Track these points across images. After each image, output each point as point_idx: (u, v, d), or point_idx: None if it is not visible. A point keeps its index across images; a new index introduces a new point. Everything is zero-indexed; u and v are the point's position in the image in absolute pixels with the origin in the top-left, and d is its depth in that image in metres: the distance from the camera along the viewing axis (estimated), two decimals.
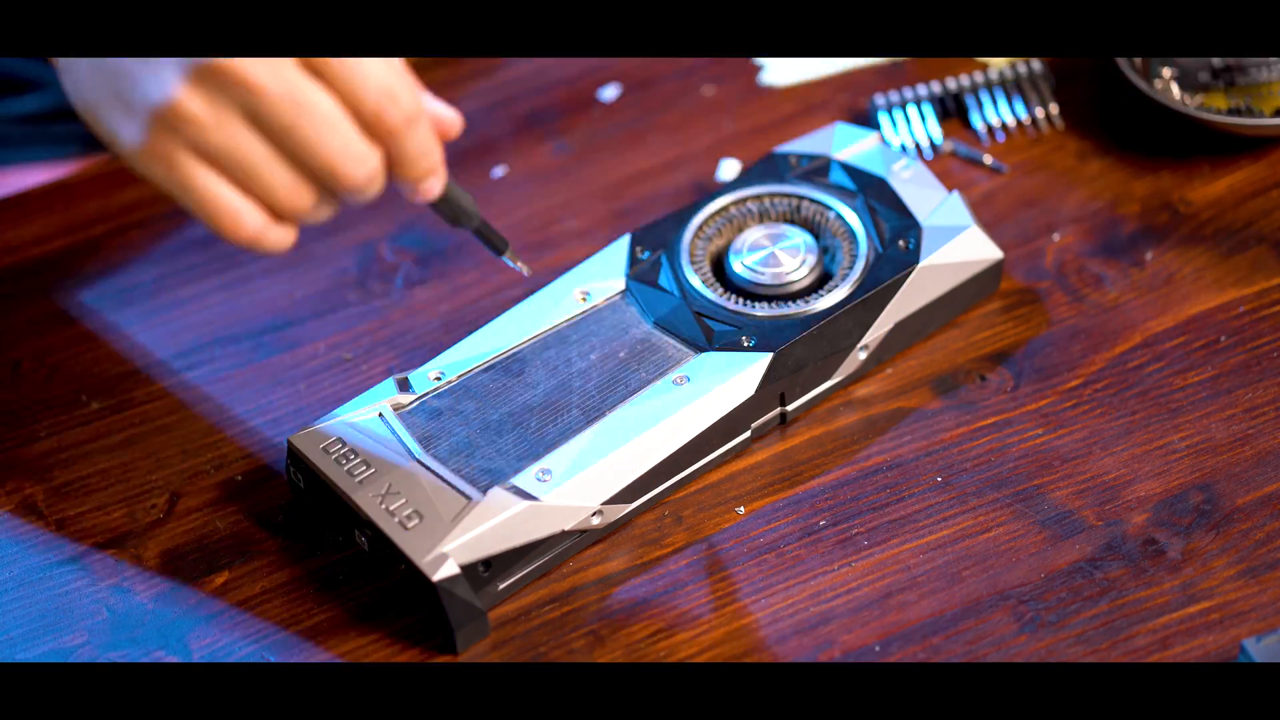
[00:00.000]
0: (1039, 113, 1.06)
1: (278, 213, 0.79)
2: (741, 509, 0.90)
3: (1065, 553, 0.87)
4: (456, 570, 0.84)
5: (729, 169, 1.06)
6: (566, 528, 0.87)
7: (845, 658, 0.84)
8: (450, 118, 0.83)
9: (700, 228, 0.97)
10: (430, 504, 0.85)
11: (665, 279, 0.95)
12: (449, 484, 0.86)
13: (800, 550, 0.88)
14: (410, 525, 0.84)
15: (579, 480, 0.86)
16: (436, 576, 0.83)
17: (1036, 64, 1.07)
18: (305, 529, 0.90)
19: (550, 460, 0.87)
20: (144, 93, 0.77)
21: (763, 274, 0.95)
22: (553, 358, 0.92)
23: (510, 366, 0.92)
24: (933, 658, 0.84)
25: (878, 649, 0.84)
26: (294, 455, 0.88)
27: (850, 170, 0.99)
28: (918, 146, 1.06)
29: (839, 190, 0.98)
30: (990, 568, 0.87)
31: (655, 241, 0.97)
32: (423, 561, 0.83)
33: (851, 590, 0.87)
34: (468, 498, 0.85)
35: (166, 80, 0.77)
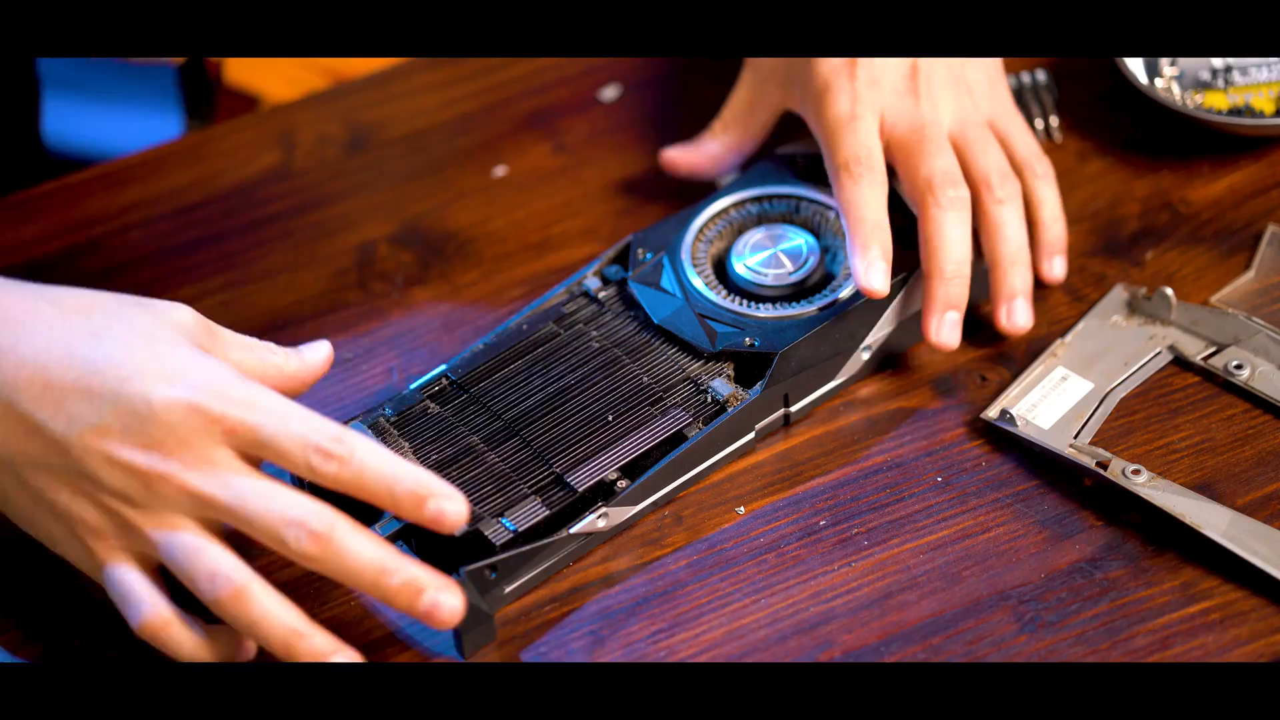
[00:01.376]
0: (1039, 124, 1.06)
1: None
2: (741, 509, 0.90)
3: (1065, 553, 0.87)
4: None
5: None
6: (572, 530, 0.87)
7: (845, 658, 0.84)
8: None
9: (701, 229, 0.97)
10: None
11: (667, 281, 0.95)
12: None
13: (800, 550, 0.88)
14: None
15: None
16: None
17: (1041, 74, 1.07)
18: None
19: (556, 465, 0.87)
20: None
21: (765, 275, 0.95)
22: (554, 361, 0.92)
23: (512, 372, 0.92)
24: (933, 658, 0.84)
25: (878, 649, 0.84)
26: None
27: None
28: None
29: None
30: (990, 568, 0.87)
31: (657, 243, 0.97)
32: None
33: (851, 590, 0.87)
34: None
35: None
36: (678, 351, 0.93)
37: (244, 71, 1.19)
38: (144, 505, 0.79)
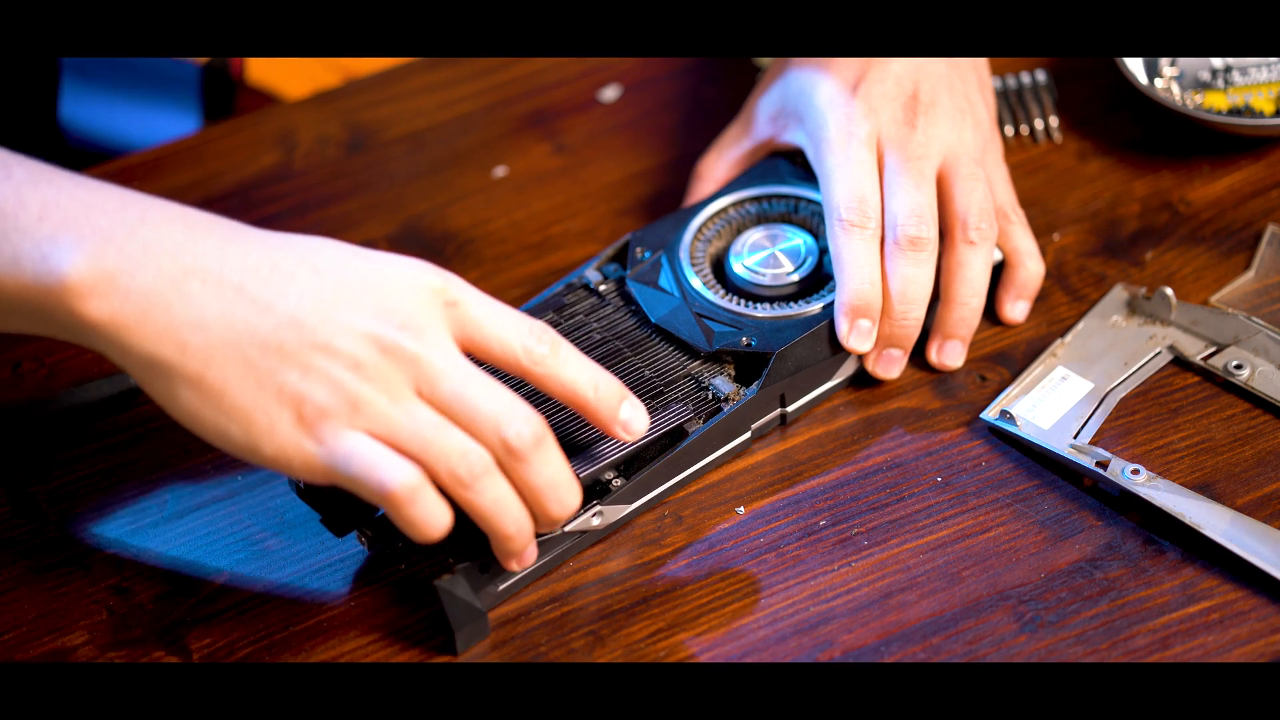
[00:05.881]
0: (1038, 124, 1.06)
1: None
2: (741, 509, 0.90)
3: (1065, 553, 0.87)
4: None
5: None
6: (567, 528, 0.87)
7: (845, 658, 0.84)
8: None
9: (700, 229, 0.97)
10: None
11: (665, 280, 0.95)
12: None
13: (800, 550, 0.88)
14: None
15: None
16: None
17: (1041, 74, 1.07)
18: (306, 529, 0.90)
19: None
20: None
21: (763, 275, 0.95)
22: None
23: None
24: (933, 658, 0.84)
25: (878, 649, 0.84)
26: None
27: None
28: None
29: None
30: (990, 568, 0.87)
31: (655, 242, 0.97)
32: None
33: (851, 590, 0.87)
34: None
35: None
36: (679, 348, 0.92)
37: (266, 72, 1.19)
38: (375, 376, 0.78)
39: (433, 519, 0.79)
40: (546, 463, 0.80)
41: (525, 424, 0.79)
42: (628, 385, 0.90)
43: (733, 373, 0.92)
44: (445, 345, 0.79)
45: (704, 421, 0.90)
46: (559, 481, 0.81)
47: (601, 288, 0.95)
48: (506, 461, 0.79)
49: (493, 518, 0.80)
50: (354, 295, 0.79)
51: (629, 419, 0.84)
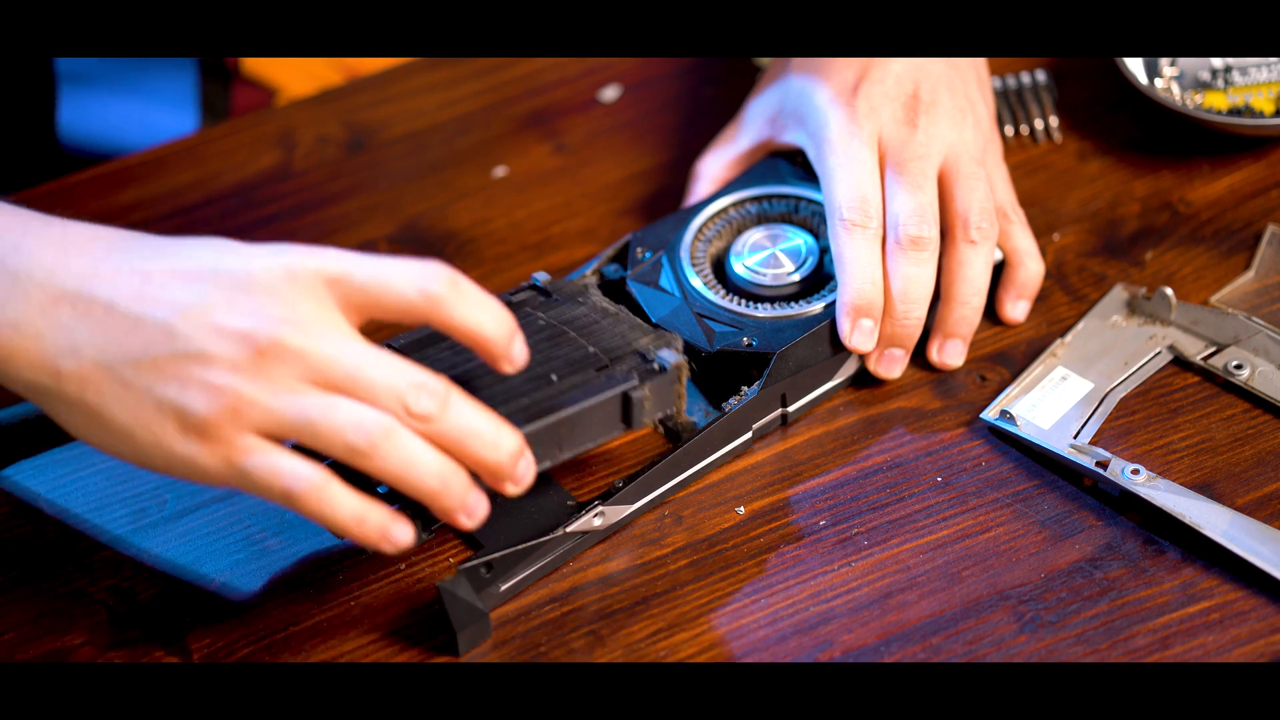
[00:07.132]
0: (1038, 124, 1.06)
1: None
2: (741, 509, 0.90)
3: (1065, 553, 0.87)
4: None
5: None
6: (568, 529, 0.87)
7: (845, 658, 0.84)
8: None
9: (700, 229, 0.97)
10: None
11: (666, 280, 0.95)
12: None
13: (800, 550, 0.88)
14: None
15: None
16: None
17: (1041, 74, 1.07)
18: (306, 529, 0.90)
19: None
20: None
21: (763, 275, 0.95)
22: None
23: (453, 343, 0.89)
24: (933, 658, 0.84)
25: (878, 649, 0.84)
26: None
27: None
28: None
29: None
30: (990, 568, 0.87)
31: (656, 242, 0.97)
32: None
33: (851, 590, 0.87)
34: None
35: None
36: (627, 328, 0.90)
37: (261, 64, 1.18)
38: (256, 375, 0.77)
39: (343, 510, 0.78)
40: (459, 414, 0.79)
41: (423, 386, 0.78)
42: (574, 360, 0.87)
43: (680, 345, 0.90)
44: (329, 330, 0.78)
45: (646, 386, 0.87)
46: (479, 428, 0.79)
47: (549, 285, 0.93)
48: (421, 429, 0.78)
49: (407, 478, 0.78)
50: (228, 297, 0.77)
51: (518, 353, 0.81)
